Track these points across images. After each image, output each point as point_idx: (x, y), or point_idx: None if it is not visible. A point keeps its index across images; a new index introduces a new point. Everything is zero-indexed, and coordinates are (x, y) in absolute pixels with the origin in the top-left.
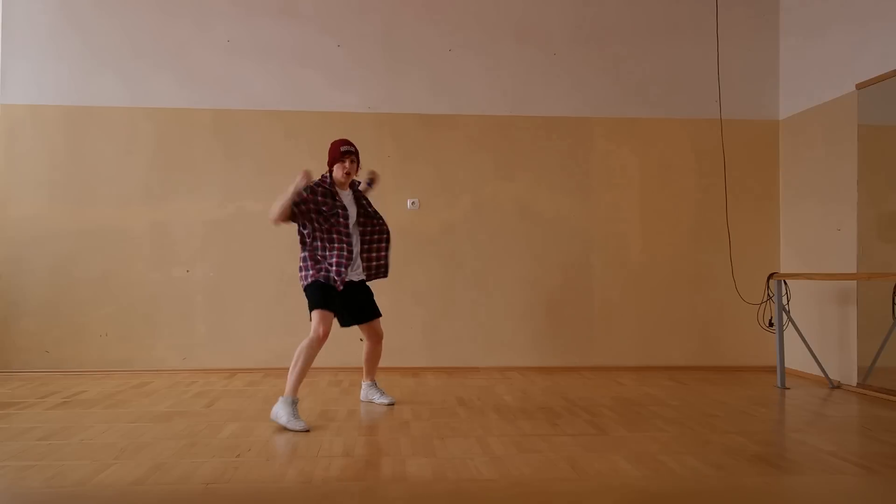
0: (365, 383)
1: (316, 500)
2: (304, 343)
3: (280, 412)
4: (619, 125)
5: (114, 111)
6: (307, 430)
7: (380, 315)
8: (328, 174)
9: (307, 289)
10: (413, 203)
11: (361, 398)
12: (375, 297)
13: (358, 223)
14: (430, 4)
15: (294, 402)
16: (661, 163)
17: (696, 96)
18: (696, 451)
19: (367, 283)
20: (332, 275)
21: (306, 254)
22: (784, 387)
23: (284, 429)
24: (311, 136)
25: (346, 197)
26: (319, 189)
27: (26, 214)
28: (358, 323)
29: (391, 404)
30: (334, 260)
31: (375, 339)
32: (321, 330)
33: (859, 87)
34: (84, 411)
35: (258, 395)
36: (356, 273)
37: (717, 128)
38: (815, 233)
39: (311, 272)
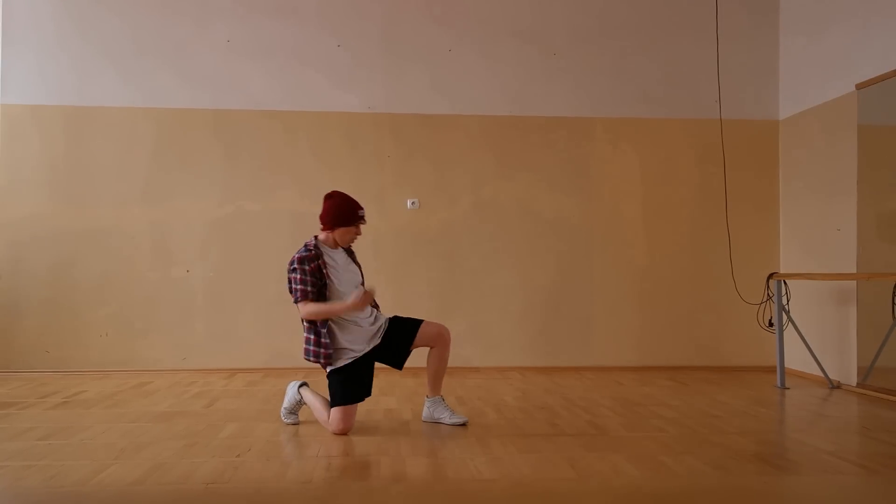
0: (431, 400)
1: (316, 500)
2: (322, 422)
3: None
4: (619, 125)
5: (114, 111)
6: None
7: (422, 320)
8: (314, 238)
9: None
10: (413, 203)
11: (424, 418)
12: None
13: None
14: (430, 4)
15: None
16: (661, 163)
17: (696, 96)
18: (696, 451)
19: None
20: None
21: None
22: (784, 387)
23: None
24: (311, 136)
25: (337, 255)
26: (310, 263)
27: (26, 214)
28: (410, 346)
29: (464, 424)
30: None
31: (439, 342)
32: (348, 423)
33: (859, 87)
34: (84, 411)
35: (258, 395)
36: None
37: (717, 128)
38: (814, 233)
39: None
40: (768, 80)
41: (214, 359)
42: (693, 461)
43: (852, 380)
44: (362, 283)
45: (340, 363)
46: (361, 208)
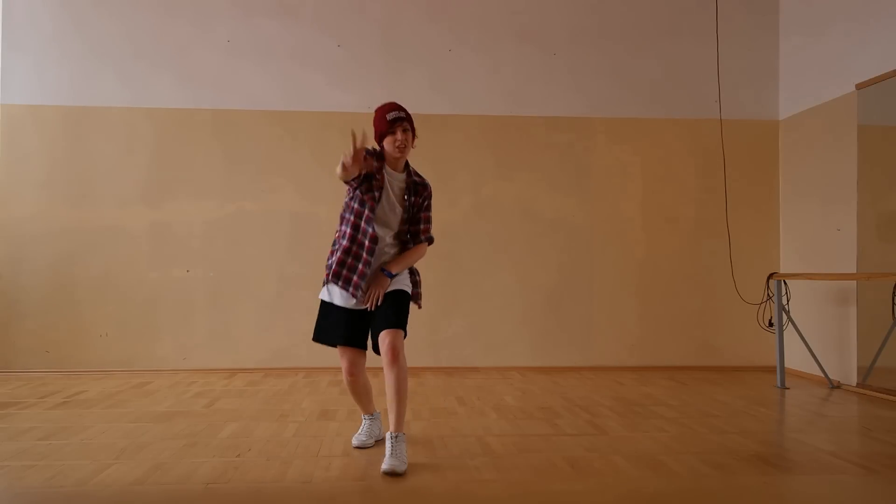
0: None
1: (316, 500)
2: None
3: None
4: (619, 125)
5: (114, 111)
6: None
7: (394, 325)
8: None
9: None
10: None
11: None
12: None
13: (400, 220)
14: (430, 4)
15: (366, 419)
16: (661, 163)
17: (696, 96)
18: (696, 451)
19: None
20: (351, 282)
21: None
22: (784, 387)
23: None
24: (311, 136)
25: (396, 180)
26: (373, 158)
27: (26, 214)
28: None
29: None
30: (350, 262)
31: (384, 359)
32: (343, 367)
33: (859, 87)
34: (84, 411)
35: (258, 395)
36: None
37: (717, 128)
38: (815, 233)
39: (325, 278)
40: (768, 80)
41: (214, 359)
42: (693, 461)
43: (852, 380)
44: (401, 230)
45: (323, 296)
46: (395, 109)
